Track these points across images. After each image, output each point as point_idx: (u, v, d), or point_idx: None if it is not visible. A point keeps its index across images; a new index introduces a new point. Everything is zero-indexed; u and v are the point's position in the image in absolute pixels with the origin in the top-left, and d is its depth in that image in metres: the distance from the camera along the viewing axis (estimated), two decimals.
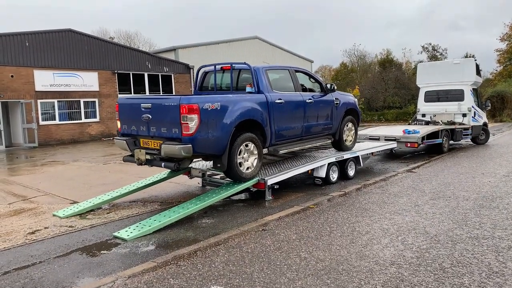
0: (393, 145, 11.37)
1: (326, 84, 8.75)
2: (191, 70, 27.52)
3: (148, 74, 25.49)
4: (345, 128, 9.30)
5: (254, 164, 7.09)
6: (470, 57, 38.37)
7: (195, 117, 6.02)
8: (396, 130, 13.58)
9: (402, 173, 9.75)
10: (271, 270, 4.18)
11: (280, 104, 7.43)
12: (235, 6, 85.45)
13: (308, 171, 8.35)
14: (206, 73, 8.40)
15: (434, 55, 50.69)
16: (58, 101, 21.57)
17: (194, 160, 8.07)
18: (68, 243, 5.40)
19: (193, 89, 8.78)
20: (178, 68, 27.08)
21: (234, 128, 6.53)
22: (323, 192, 7.91)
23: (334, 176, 8.79)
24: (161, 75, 26.19)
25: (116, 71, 23.81)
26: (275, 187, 7.60)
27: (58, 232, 5.84)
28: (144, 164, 6.70)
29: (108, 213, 6.87)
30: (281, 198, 7.59)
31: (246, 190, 7.62)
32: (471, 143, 16.03)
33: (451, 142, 14.21)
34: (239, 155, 6.81)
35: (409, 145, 12.14)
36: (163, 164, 6.46)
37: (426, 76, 15.86)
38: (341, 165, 9.03)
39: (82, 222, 6.34)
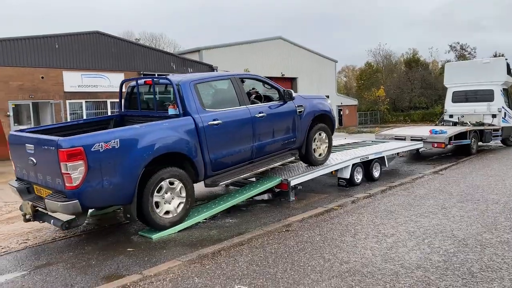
0: (419, 145, 11.16)
1: (284, 91, 7.29)
2: (215, 70, 27.72)
3: (173, 75, 25.82)
4: (314, 139, 7.82)
5: (180, 208, 5.67)
6: (500, 56, 37.25)
7: (80, 164, 4.67)
8: (423, 130, 13.33)
9: (429, 175, 9.55)
10: (295, 271, 4.17)
11: (216, 126, 5.98)
12: (260, 3, 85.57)
13: (332, 172, 8.29)
14: (133, 87, 6.86)
15: (462, 54, 49.47)
16: (85, 101, 22.11)
17: None
18: (96, 239, 5.53)
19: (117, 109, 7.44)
20: (202, 69, 27.31)
21: (144, 168, 5.18)
22: (347, 194, 7.83)
23: (358, 177, 8.70)
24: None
25: (142, 72, 24.22)
26: (299, 188, 7.57)
27: (86, 229, 5.99)
28: (33, 220, 5.48)
29: None
30: (305, 199, 7.56)
31: (269, 190, 7.62)
32: (501, 144, 15.57)
33: (480, 143, 13.83)
34: (158, 192, 5.42)
35: (436, 145, 11.89)
36: (52, 220, 5.27)
37: (454, 76, 15.50)
38: (366, 166, 8.92)
39: (107, 221, 6.47)
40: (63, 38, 21.20)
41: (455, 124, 14.63)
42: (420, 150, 11.96)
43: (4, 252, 5.19)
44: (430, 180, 8.93)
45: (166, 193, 5.53)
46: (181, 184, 5.64)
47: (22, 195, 5.58)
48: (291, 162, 7.92)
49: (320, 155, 8.00)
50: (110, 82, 23.01)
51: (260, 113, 6.68)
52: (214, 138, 5.99)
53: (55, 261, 4.74)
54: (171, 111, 5.95)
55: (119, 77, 23.36)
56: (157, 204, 5.44)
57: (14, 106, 19.85)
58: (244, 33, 79.71)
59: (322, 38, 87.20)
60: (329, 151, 8.19)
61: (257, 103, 7.05)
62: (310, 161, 7.86)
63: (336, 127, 42.20)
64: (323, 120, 7.99)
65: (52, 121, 20.63)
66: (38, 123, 21.26)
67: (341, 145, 11.00)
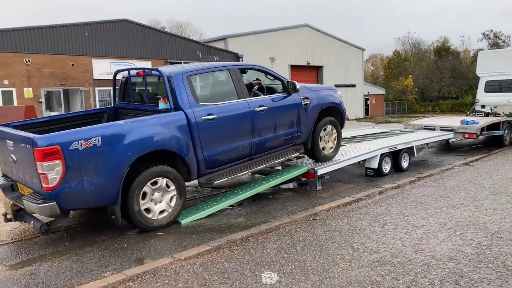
0: (449, 135, 10.90)
1: (288, 82, 6.79)
2: (240, 59, 27.69)
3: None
4: (321, 134, 7.32)
5: (172, 205, 5.38)
6: None
7: (56, 163, 4.38)
8: (453, 120, 13.00)
9: (459, 167, 9.33)
10: (324, 259, 4.17)
11: (210, 122, 5.62)
12: None
13: (359, 162, 8.21)
14: (127, 79, 6.40)
15: (496, 42, 47.68)
16: None
17: None
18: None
19: (112, 101, 6.94)
20: (228, 57, 27.33)
21: (129, 167, 4.88)
22: (375, 184, 7.75)
23: (386, 167, 8.58)
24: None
25: (168, 60, 24.43)
26: (326, 177, 7.53)
27: None
28: (14, 220, 5.30)
29: None
30: (332, 188, 7.52)
31: (295, 179, 7.61)
32: None
33: None
34: (143, 199, 5.10)
35: (467, 136, 11.57)
36: (32, 221, 5.00)
37: (487, 65, 14.97)
38: (395, 156, 8.78)
39: None
40: (93, 26, 21.58)
41: (487, 114, 14.17)
42: (450, 141, 11.69)
43: (38, 234, 5.39)
44: (460, 172, 8.72)
45: (154, 195, 5.21)
46: (171, 185, 5.32)
47: (5, 192, 5.33)
48: (297, 157, 7.61)
49: (327, 150, 7.52)
50: None
51: (260, 106, 6.26)
52: (208, 134, 5.63)
53: (89, 243, 4.89)
54: (162, 105, 5.60)
55: (147, 65, 23.63)
56: (148, 210, 5.19)
57: (46, 92, 20.43)
58: (270, 22, 79.08)
59: (349, 26, 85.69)
60: (338, 146, 7.69)
61: (260, 95, 6.70)
62: (317, 157, 7.39)
63: (362, 116, 41.52)
64: (332, 113, 7.51)
65: (82, 108, 21.15)
66: (68, 110, 21.85)
67: (369, 134, 10.88)
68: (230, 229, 5.29)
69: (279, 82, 6.89)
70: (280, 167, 7.69)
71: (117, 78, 6.70)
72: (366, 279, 3.68)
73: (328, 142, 7.53)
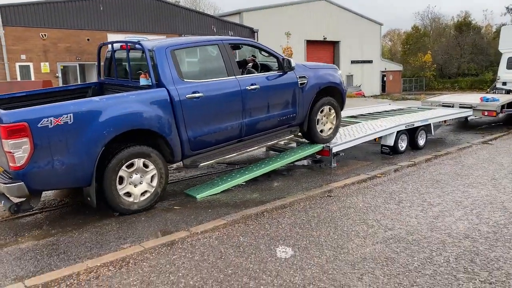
0: (468, 113, 10.67)
1: (283, 59, 6.38)
2: (256, 34, 27.35)
3: None
4: (319, 115, 6.93)
5: (154, 184, 5.14)
6: None
7: (23, 142, 4.12)
8: (473, 97, 12.71)
9: (477, 145, 9.17)
10: (338, 235, 4.20)
11: (196, 100, 5.29)
12: None
13: (375, 139, 8.14)
14: (114, 52, 5.96)
15: None
16: None
17: None
18: None
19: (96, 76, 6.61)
20: (243, 32, 27.01)
21: (104, 147, 4.61)
22: (390, 162, 7.69)
23: (402, 145, 8.49)
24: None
25: (183, 35, 24.26)
26: (341, 154, 7.49)
27: None
28: None
29: (178, 172, 7.21)
30: (346, 166, 7.50)
31: (310, 157, 7.60)
32: None
33: None
34: (120, 183, 4.85)
35: (486, 113, 11.30)
36: (2, 201, 4.66)
37: (510, 40, 14.47)
38: (411, 133, 8.67)
39: None
40: (107, 0, 21.46)
41: (508, 92, 13.80)
42: (468, 118, 11.45)
43: (59, 206, 5.53)
44: (478, 150, 8.58)
45: (132, 177, 4.97)
46: (150, 165, 5.06)
47: None
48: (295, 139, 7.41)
49: (326, 132, 7.13)
50: None
51: (252, 85, 5.89)
52: (193, 114, 5.31)
53: (107, 217, 5.00)
54: (143, 81, 5.27)
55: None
56: (128, 193, 4.97)
57: (62, 67, 20.58)
58: None
59: (367, 0, 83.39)
60: (336, 128, 7.29)
61: (253, 72, 6.35)
62: (313, 139, 7.07)
63: (379, 93, 40.94)
64: (332, 93, 7.10)
65: None
66: None
67: (386, 111, 10.73)
68: (245, 204, 5.34)
69: (275, 60, 6.52)
70: (295, 144, 7.68)
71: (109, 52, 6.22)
72: (381, 255, 3.70)
73: (327, 123, 7.16)
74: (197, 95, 5.31)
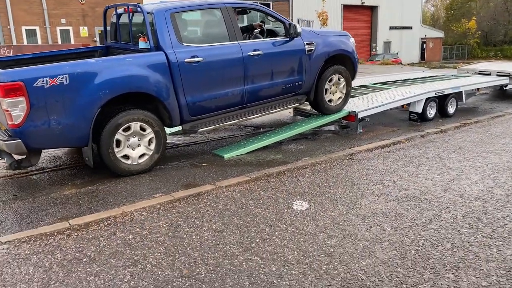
0: (504, 81, 10.34)
1: (289, 24, 6.20)
2: None
3: None
4: (327, 84, 6.80)
5: (152, 147, 5.22)
6: None
7: (20, 100, 4.26)
8: None
9: (510, 114, 8.98)
10: (354, 193, 4.44)
11: (195, 64, 5.28)
12: None
13: (403, 105, 8.15)
14: (120, 15, 5.99)
15: None
16: None
17: None
18: (177, 155, 6.19)
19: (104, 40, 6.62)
20: None
21: (100, 108, 4.70)
22: (417, 129, 7.73)
23: (431, 112, 8.45)
24: (259, 3, 26.10)
25: None
26: (366, 120, 7.59)
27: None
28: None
29: (208, 133, 7.57)
30: (372, 132, 7.60)
31: (337, 122, 7.74)
32: None
33: None
34: (117, 146, 4.95)
35: None
36: (5, 157, 4.81)
37: None
38: (441, 101, 8.60)
39: (185, 139, 7.11)
40: None
41: None
42: (505, 87, 11.10)
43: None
44: (510, 120, 8.42)
45: (129, 140, 5.04)
46: (147, 128, 5.11)
47: None
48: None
49: (335, 102, 7.04)
50: None
51: (255, 50, 5.80)
52: (192, 78, 5.29)
53: (142, 171, 5.43)
54: (141, 44, 5.28)
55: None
56: (126, 156, 5.05)
57: (100, 32, 21.18)
58: None
59: None
60: (346, 98, 7.16)
61: (260, 38, 6.33)
62: (321, 109, 6.99)
63: (417, 61, 39.59)
64: (342, 62, 6.96)
65: None
66: None
67: (417, 78, 10.59)
68: (269, 164, 5.64)
69: (281, 25, 6.40)
70: None
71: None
72: (391, 211, 3.93)
73: (336, 92, 7.03)
74: (196, 59, 5.28)
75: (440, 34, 41.51)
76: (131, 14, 5.57)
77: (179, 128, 5.83)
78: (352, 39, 7.28)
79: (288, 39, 6.25)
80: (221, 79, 5.58)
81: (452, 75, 11.14)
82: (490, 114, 8.99)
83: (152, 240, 3.44)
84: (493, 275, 2.83)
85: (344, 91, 7.10)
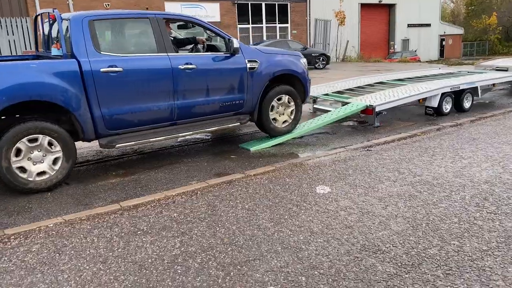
0: None
1: (229, 40, 5.90)
2: None
3: (265, 4, 26.07)
4: (276, 103, 6.51)
5: (56, 168, 4.82)
6: None
7: None
8: None
9: None
10: (372, 179, 4.87)
11: (113, 74, 4.93)
12: None
13: (419, 100, 8.49)
14: (49, 23, 5.67)
15: None
16: None
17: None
18: (207, 149, 6.72)
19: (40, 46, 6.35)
20: None
21: None
22: (433, 123, 8.07)
23: (447, 107, 8.76)
24: (277, 4, 26.58)
25: (235, 2, 24.80)
26: (384, 113, 7.95)
27: (193, 140, 7.23)
28: None
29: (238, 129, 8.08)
30: (389, 125, 7.99)
31: (355, 117, 8.15)
32: None
33: None
34: (17, 156, 4.57)
35: None
36: None
37: None
38: (457, 96, 8.90)
39: (216, 134, 7.64)
40: None
41: None
42: None
43: (139, 153, 6.59)
44: None
45: (32, 152, 4.65)
46: (56, 145, 4.76)
47: None
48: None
49: (279, 123, 6.68)
50: (207, 12, 24.05)
51: (187, 64, 5.48)
52: (109, 89, 4.95)
53: (178, 161, 5.98)
54: (54, 51, 5.06)
55: (215, 7, 24.28)
56: (22, 168, 4.64)
57: None
58: None
59: None
60: (294, 121, 6.82)
61: (200, 52, 6.13)
62: (266, 129, 6.67)
63: (436, 58, 39.19)
64: (291, 82, 6.68)
65: None
66: None
67: (434, 75, 10.88)
68: (292, 155, 6.11)
69: (222, 40, 6.12)
70: (341, 104, 8.25)
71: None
72: (405, 193, 4.36)
73: (283, 114, 6.69)
74: (115, 69, 4.95)
75: (460, 30, 41.16)
76: (51, 20, 5.44)
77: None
78: (303, 60, 6.99)
79: (228, 55, 5.96)
80: (145, 92, 5.23)
81: (468, 72, 11.38)
82: (506, 109, 9.24)
83: (195, 217, 3.96)
84: (493, 242, 3.25)
85: (292, 114, 6.79)
